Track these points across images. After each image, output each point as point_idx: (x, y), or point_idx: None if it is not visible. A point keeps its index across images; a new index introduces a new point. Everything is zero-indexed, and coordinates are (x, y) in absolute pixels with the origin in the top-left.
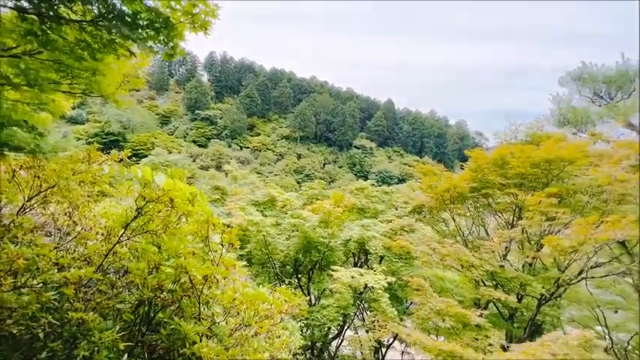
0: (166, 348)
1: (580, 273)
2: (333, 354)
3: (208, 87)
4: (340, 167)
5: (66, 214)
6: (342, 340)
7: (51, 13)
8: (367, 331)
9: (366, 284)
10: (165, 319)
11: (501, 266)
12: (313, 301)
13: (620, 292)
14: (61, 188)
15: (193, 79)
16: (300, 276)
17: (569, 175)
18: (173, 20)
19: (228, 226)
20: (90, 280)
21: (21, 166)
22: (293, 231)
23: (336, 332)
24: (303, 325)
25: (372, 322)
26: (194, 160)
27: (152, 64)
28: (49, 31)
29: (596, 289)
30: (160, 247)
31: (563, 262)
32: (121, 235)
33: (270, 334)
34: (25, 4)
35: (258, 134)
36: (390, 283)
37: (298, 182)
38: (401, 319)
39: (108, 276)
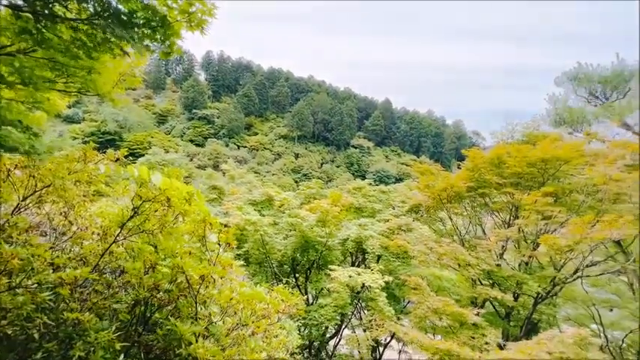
0: (163, 348)
1: (576, 272)
2: (330, 353)
3: (205, 86)
4: (338, 167)
5: (61, 213)
6: (339, 340)
7: (46, 11)
8: (365, 330)
9: (363, 283)
10: (161, 319)
11: (498, 265)
12: (311, 301)
13: (615, 291)
14: (57, 188)
15: (190, 78)
16: (297, 275)
17: (565, 175)
18: (170, 19)
19: (225, 225)
20: (86, 280)
21: (16, 165)
22: (290, 230)
23: (334, 331)
24: (300, 324)
25: (370, 321)
26: (191, 160)
27: (149, 62)
28: (44, 30)
29: (591, 288)
30: (156, 247)
31: (559, 261)
32: (117, 235)
33: (268, 333)
34: (20, 2)
35: (256, 133)
36: (387, 283)
37: (296, 182)
38: (398, 318)
39: (104, 276)
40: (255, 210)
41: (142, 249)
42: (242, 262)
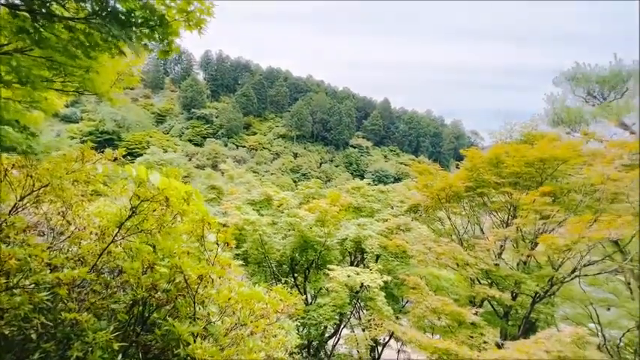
0: (161, 348)
1: (573, 271)
2: (329, 353)
3: (204, 85)
4: (336, 166)
5: (59, 213)
6: (338, 339)
7: (43, 10)
8: (363, 330)
9: (362, 283)
10: (160, 319)
11: (496, 264)
12: (310, 300)
13: (613, 290)
14: (55, 187)
15: (189, 77)
16: (296, 275)
17: (563, 174)
18: (168, 18)
19: (224, 225)
20: (84, 280)
21: (13, 165)
22: (289, 230)
23: (333, 331)
24: (299, 324)
25: (369, 320)
26: (190, 159)
27: (147, 62)
28: (41, 29)
29: (589, 287)
30: (154, 247)
31: (557, 261)
32: (116, 235)
33: (266, 333)
34: (17, 1)
35: (255, 133)
36: (386, 282)
37: (295, 181)
38: (397, 318)
39: (102, 276)
40: (253, 210)
41: (140, 249)
42: (241, 262)
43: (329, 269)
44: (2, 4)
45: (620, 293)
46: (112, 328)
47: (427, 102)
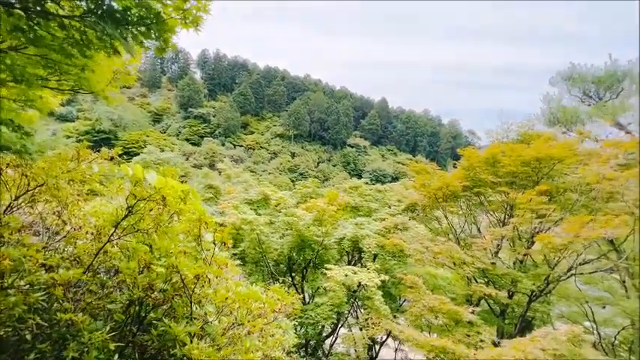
0: (158, 348)
1: (569, 270)
2: (327, 352)
3: (201, 85)
4: (334, 166)
5: (55, 213)
6: (336, 338)
7: (38, 8)
8: (361, 329)
9: (359, 282)
10: (156, 319)
11: (493, 263)
12: (307, 300)
13: (608, 288)
14: (50, 187)
15: (186, 76)
16: (294, 274)
17: (559, 174)
18: (164, 15)
19: (221, 224)
20: (80, 280)
21: (8, 164)
22: (287, 229)
23: (330, 330)
24: (297, 323)
25: (366, 319)
26: (187, 159)
27: (144, 60)
28: (36, 27)
29: (584, 286)
30: (151, 247)
31: (553, 259)
32: (112, 235)
33: (264, 332)
34: None
35: (252, 132)
36: (383, 281)
37: (292, 181)
38: (394, 317)
39: (98, 276)
40: (251, 209)
41: (136, 248)
42: (238, 262)
43: (326, 268)
44: None
45: (615, 291)
46: (108, 328)
47: (426, 102)
